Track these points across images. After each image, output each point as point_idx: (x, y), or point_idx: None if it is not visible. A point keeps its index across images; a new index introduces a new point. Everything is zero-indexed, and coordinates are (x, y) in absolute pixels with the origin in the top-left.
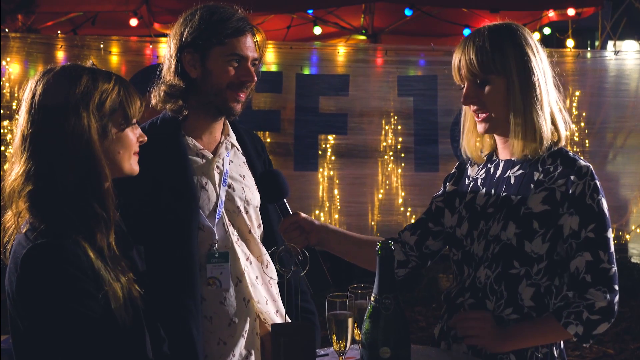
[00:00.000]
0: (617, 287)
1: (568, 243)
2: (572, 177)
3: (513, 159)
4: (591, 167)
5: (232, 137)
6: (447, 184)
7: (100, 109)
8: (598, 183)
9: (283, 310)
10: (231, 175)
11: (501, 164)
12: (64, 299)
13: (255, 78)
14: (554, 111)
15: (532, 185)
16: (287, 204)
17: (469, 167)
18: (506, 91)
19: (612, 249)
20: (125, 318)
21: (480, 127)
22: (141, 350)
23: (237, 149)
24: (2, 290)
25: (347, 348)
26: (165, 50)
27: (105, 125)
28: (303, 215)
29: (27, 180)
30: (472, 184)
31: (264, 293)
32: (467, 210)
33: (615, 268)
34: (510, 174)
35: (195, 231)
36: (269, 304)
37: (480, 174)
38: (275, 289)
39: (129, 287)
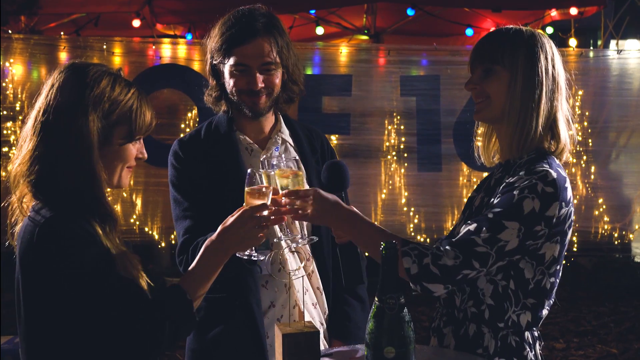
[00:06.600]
0: (472, 262)
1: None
2: (522, 174)
3: (502, 162)
4: (553, 174)
5: (285, 133)
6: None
7: (107, 117)
8: (541, 187)
9: (323, 304)
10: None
11: (497, 167)
12: (80, 259)
13: (260, 85)
14: (559, 121)
15: (498, 189)
16: (346, 195)
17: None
18: (507, 85)
19: (500, 237)
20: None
21: (477, 114)
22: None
23: (290, 144)
24: (2, 291)
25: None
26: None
27: (108, 133)
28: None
29: (32, 165)
30: (482, 186)
31: (306, 284)
32: (469, 211)
33: (485, 249)
34: (493, 177)
35: None
36: (307, 295)
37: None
38: (316, 282)
39: (135, 275)
